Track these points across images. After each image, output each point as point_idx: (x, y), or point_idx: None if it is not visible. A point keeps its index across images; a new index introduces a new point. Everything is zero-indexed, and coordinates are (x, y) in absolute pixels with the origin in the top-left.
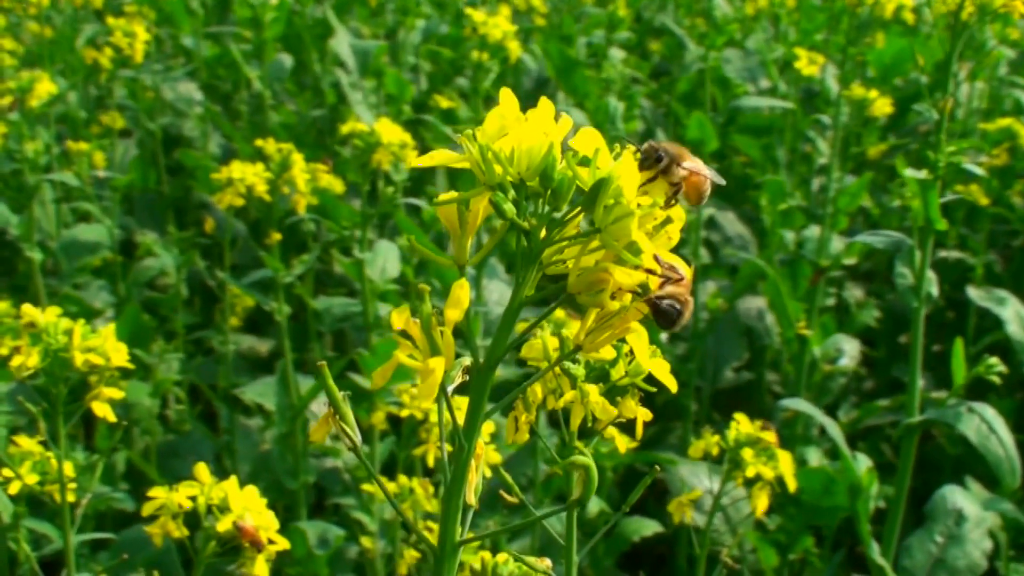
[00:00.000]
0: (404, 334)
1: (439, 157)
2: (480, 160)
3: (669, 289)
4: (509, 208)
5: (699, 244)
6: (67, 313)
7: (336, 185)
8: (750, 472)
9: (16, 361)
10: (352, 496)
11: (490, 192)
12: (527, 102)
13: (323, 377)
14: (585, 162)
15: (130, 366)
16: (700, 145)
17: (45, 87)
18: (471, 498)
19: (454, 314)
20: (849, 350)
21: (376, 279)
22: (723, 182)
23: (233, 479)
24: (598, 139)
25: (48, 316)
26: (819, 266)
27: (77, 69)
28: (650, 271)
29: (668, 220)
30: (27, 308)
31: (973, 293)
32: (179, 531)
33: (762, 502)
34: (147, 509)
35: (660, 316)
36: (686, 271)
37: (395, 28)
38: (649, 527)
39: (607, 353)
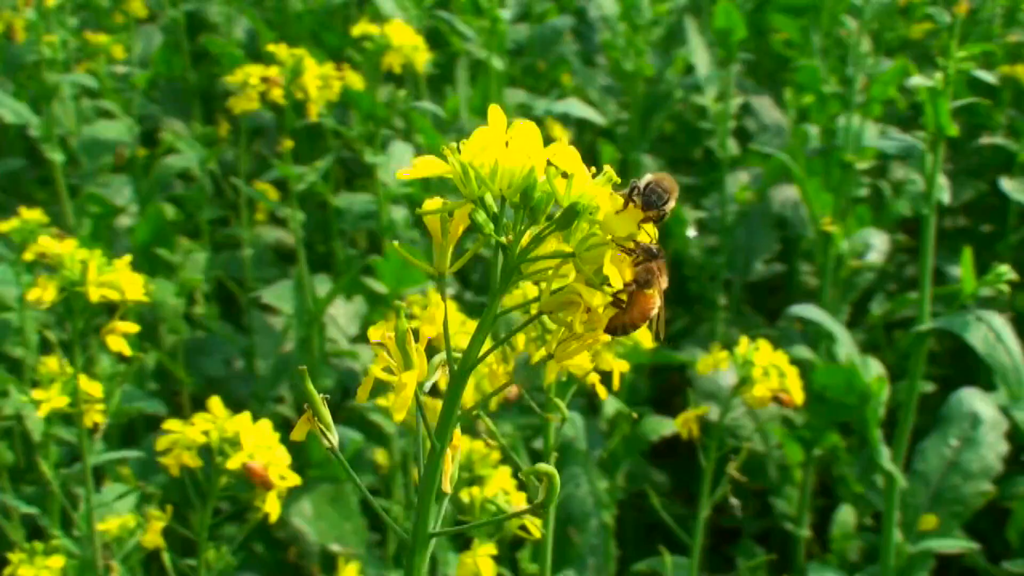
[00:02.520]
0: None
1: (424, 168)
2: (462, 175)
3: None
4: (487, 224)
5: (726, 135)
6: (89, 213)
7: (355, 81)
8: (758, 391)
9: (33, 294)
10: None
11: (471, 205)
12: None
13: (303, 380)
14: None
15: (145, 299)
16: (728, 34)
17: None
18: (447, 485)
19: (429, 331)
20: (878, 244)
21: (390, 183)
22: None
23: (246, 414)
24: (576, 159)
25: (66, 247)
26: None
27: None
28: (618, 300)
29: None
30: (43, 240)
31: (1008, 185)
32: (193, 461)
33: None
34: (161, 444)
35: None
36: (657, 291)
37: None
38: (668, 426)
39: (582, 361)
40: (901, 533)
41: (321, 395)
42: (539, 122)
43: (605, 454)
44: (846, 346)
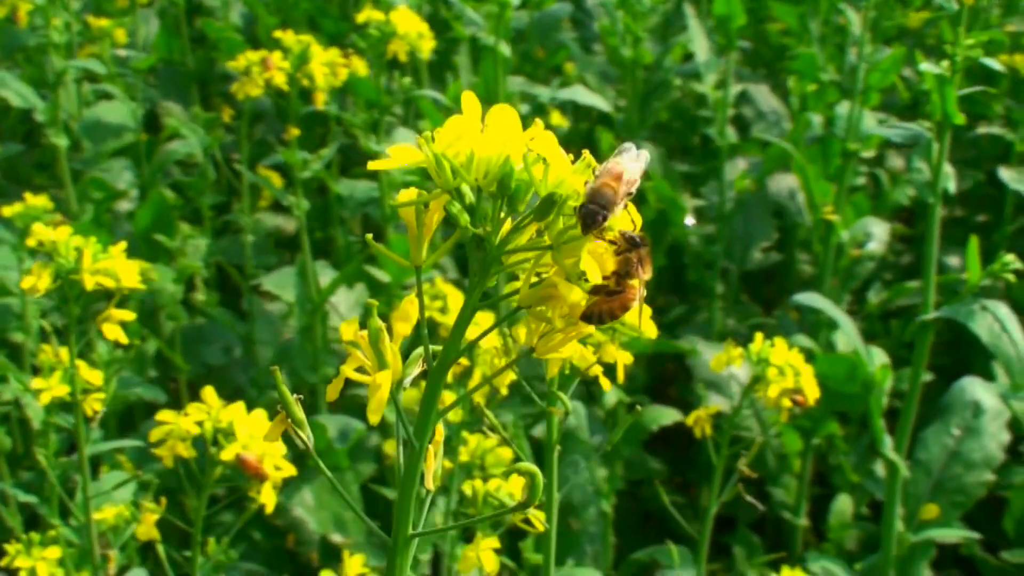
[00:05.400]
0: (354, 345)
1: (399, 158)
2: (436, 165)
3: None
4: (462, 215)
5: (725, 123)
6: (92, 198)
7: (360, 67)
8: (773, 392)
9: (28, 282)
10: None
11: (447, 196)
12: None
13: (277, 382)
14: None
15: (141, 287)
16: (727, 21)
17: None
18: (429, 483)
19: (403, 328)
20: (878, 234)
21: (394, 170)
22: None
23: (240, 404)
24: (554, 144)
25: (60, 235)
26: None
27: None
28: (602, 289)
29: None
30: (38, 228)
31: (1006, 175)
32: (188, 452)
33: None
34: (155, 435)
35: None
36: (639, 282)
37: None
38: (668, 415)
39: (566, 352)
40: (902, 522)
41: (295, 396)
42: (542, 109)
43: (609, 446)
44: (851, 335)
